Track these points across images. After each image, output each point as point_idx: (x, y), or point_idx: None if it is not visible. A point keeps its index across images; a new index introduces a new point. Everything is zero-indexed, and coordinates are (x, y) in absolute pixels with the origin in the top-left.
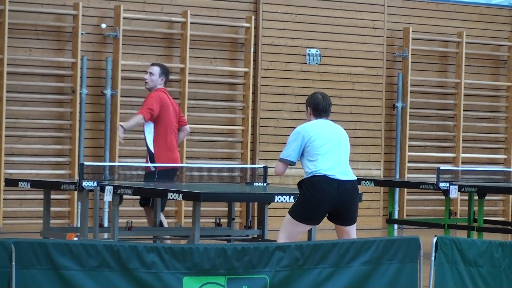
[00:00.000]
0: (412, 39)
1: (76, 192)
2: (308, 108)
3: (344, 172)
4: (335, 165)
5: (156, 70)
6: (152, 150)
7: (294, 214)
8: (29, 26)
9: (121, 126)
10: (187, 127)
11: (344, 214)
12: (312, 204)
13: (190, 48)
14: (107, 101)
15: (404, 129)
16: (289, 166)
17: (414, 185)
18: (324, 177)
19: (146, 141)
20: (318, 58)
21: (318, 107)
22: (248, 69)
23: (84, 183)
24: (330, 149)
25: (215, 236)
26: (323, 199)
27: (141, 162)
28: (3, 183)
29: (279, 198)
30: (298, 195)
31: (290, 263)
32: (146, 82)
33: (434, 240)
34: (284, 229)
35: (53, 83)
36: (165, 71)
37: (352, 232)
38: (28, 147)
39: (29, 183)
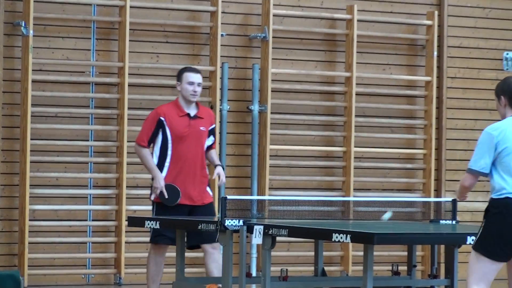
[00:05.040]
0: None
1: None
2: (502, 97)
3: None
4: None
5: None
6: None
7: (480, 248)
8: (156, 26)
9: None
10: None
11: None
12: (502, 234)
13: (357, 52)
14: (254, 119)
15: None
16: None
17: None
18: None
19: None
20: None
21: None
22: (431, 78)
23: (227, 222)
24: None
25: None
26: None
27: (296, 195)
28: (125, 222)
29: (473, 239)
30: (484, 222)
31: None
32: (196, 95)
33: None
34: (471, 271)
35: None
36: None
37: None
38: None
39: (158, 222)
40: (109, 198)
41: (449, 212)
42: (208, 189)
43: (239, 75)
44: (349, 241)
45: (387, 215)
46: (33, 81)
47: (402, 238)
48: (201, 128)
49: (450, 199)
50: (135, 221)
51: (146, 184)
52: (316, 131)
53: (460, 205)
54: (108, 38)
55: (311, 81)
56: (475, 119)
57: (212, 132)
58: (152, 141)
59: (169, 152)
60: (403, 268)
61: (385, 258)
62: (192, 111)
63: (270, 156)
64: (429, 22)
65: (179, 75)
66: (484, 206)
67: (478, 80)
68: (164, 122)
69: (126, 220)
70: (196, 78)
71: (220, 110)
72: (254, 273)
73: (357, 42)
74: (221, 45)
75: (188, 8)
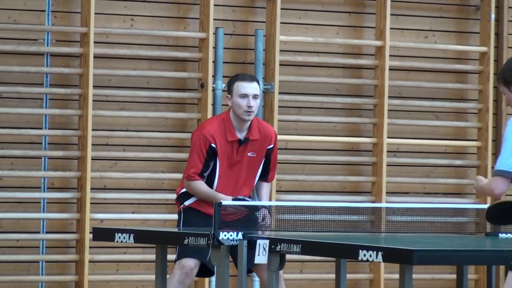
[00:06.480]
0: None
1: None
2: None
3: None
4: None
5: None
6: None
7: None
8: None
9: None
10: None
11: None
12: None
13: (391, 14)
14: None
15: None
16: None
17: None
18: None
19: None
20: None
21: None
22: (487, 49)
23: (222, 235)
24: None
25: None
26: None
27: (312, 200)
28: (89, 235)
29: None
30: None
31: None
32: (252, 112)
33: None
34: None
35: (169, 73)
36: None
37: None
38: (127, 177)
39: (132, 235)
40: (68, 204)
41: None
42: None
43: (238, 44)
44: (381, 260)
45: None
46: None
47: (449, 257)
48: (249, 154)
49: None
50: (102, 234)
51: (116, 186)
52: (338, 117)
53: None
54: None
55: (331, 52)
56: None
57: (268, 153)
58: (205, 172)
59: (215, 183)
60: None
61: (427, 283)
62: (243, 133)
63: (278, 149)
64: None
65: (229, 86)
66: None
67: None
68: (216, 150)
69: (90, 233)
70: (251, 88)
71: (213, 89)
72: None
73: (391, 1)
74: (214, 5)
75: None
